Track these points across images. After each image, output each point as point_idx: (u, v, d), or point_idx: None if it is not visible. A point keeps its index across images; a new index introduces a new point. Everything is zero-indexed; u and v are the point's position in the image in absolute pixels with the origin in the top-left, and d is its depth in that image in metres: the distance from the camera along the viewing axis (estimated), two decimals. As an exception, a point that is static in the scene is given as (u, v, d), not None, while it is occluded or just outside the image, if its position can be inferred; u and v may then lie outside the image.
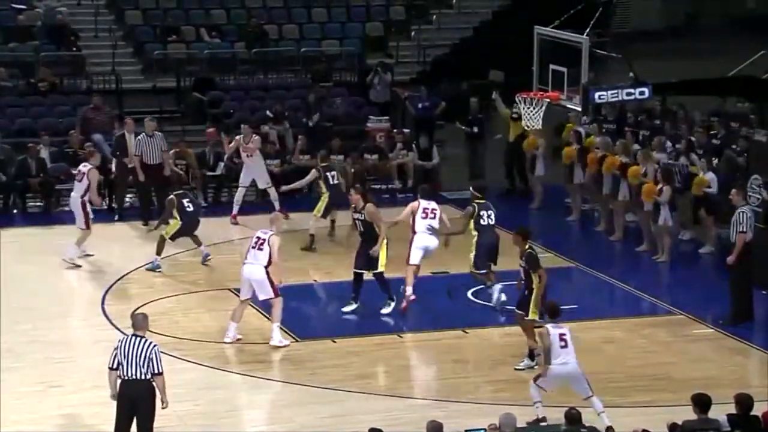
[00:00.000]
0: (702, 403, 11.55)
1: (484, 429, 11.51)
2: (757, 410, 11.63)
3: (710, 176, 19.91)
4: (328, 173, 20.44)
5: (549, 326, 13.39)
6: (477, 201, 17.26)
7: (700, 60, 27.67)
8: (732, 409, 11.61)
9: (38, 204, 22.60)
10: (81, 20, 27.81)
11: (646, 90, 17.61)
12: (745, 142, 21.11)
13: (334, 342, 16.23)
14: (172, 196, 19.06)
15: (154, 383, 12.34)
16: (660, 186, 19.47)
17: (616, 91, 17.46)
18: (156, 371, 12.30)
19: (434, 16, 29.97)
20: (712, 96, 24.18)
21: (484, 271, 17.10)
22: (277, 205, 21.48)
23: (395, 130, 25.11)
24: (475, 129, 24.50)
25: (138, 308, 16.82)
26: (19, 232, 21.38)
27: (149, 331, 15.38)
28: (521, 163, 23.62)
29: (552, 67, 17.36)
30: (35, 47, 26.34)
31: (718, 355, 16.02)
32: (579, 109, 17.88)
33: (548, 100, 17.40)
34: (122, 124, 22.43)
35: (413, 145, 24.44)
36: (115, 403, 12.51)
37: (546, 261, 19.74)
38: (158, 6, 28.39)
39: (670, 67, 25.61)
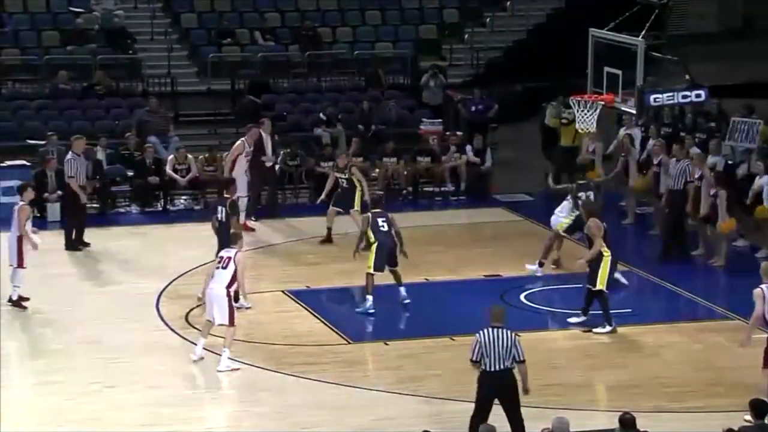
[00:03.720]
0: (759, 408, 11.42)
1: (538, 433, 11.45)
2: (814, 416, 11.47)
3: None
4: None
5: None
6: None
7: (758, 62, 27.36)
8: (788, 414, 11.46)
9: (95, 205, 22.75)
10: (137, 23, 28.04)
11: (702, 93, 17.44)
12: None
13: (387, 344, 16.22)
14: (369, 213, 17.65)
15: (515, 371, 12.52)
16: (715, 190, 19.27)
17: (671, 93, 17.30)
18: (519, 359, 12.47)
19: (488, 19, 29.90)
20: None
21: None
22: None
23: (448, 133, 25.07)
24: None
25: (191, 309, 16.95)
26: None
27: (195, 328, 15.55)
28: (573, 167, 23.42)
29: (606, 69, 17.23)
30: (92, 50, 26.57)
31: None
32: (634, 112, 17.75)
33: (602, 102, 17.28)
34: (259, 125, 21.95)
35: (467, 148, 24.35)
36: None
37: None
38: (213, 9, 28.56)
39: (726, 70, 25.34)
